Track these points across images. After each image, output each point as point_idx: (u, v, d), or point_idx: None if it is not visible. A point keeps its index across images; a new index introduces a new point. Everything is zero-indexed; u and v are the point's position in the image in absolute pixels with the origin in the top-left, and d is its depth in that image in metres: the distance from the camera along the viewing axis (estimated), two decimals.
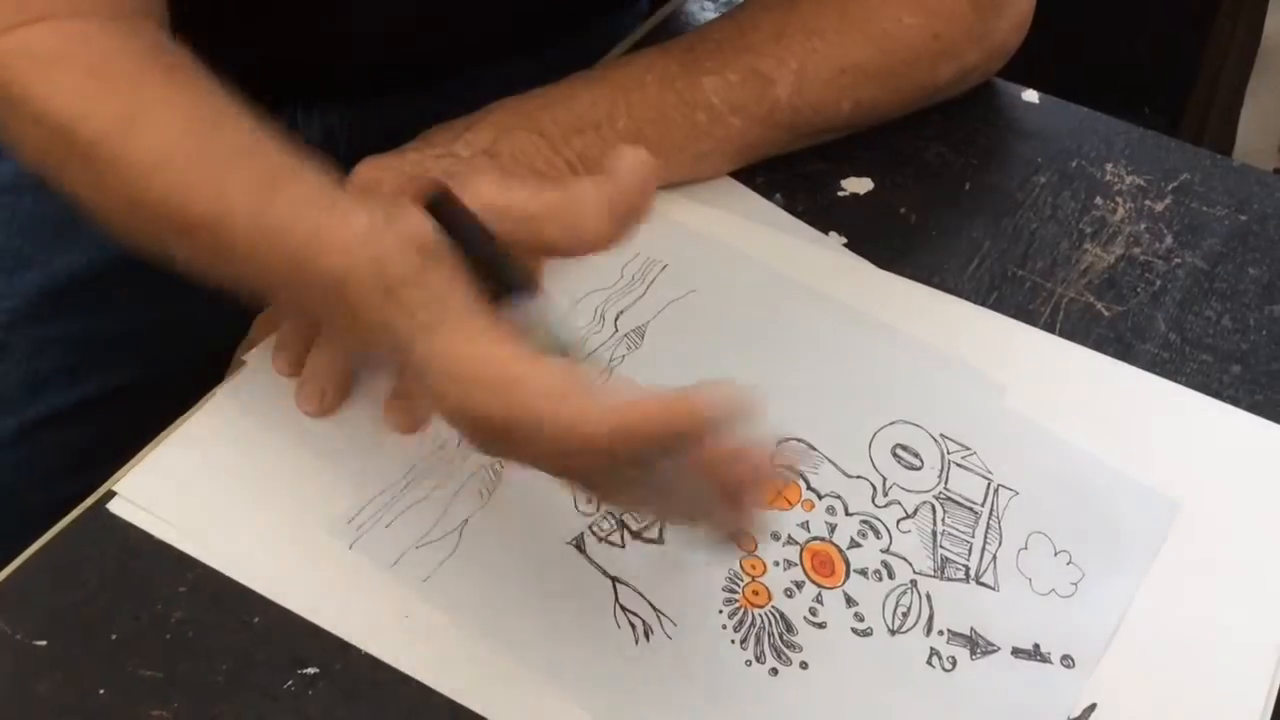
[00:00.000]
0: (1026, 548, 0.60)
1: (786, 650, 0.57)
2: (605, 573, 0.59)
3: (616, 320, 0.68)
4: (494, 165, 0.67)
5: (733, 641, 0.57)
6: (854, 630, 0.58)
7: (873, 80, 0.73)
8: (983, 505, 0.62)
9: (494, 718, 0.55)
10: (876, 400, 0.65)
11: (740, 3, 0.76)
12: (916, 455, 0.63)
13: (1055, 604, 0.59)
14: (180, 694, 0.55)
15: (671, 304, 0.69)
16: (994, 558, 0.60)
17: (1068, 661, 0.57)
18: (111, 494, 0.61)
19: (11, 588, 0.58)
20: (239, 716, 0.54)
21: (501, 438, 0.51)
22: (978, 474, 0.63)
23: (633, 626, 0.57)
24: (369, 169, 0.66)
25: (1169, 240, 0.74)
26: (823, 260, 0.71)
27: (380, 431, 0.62)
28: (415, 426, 0.62)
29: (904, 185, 0.76)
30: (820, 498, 0.62)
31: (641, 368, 0.66)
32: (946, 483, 0.62)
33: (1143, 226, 0.74)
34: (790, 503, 0.61)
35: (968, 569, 0.60)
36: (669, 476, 0.50)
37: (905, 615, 0.58)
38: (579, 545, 0.60)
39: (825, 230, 0.73)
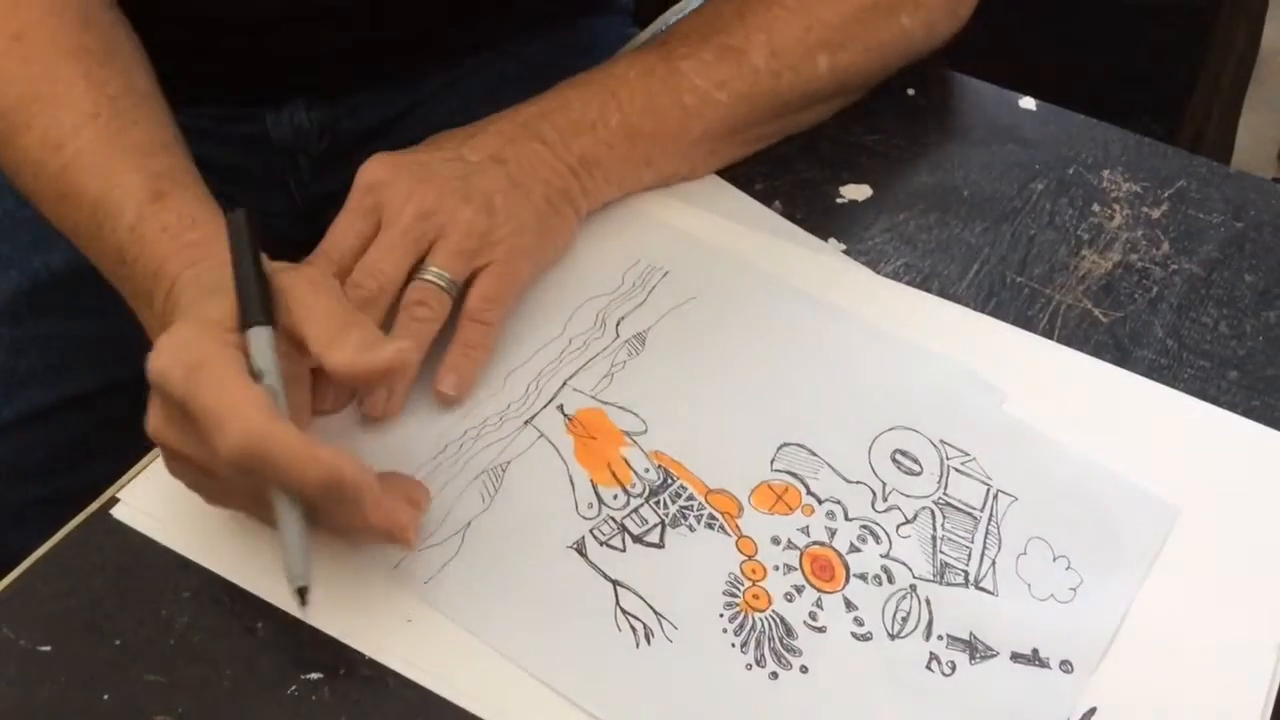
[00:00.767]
0: (1026, 553, 0.61)
1: (786, 654, 0.57)
2: (606, 576, 0.59)
3: (618, 326, 0.68)
4: (502, 173, 0.67)
5: (733, 645, 0.57)
6: (854, 634, 0.58)
7: (839, 33, 0.74)
8: (982, 510, 0.62)
9: None
10: (876, 406, 0.65)
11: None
12: (916, 461, 0.64)
13: (1054, 609, 0.59)
14: (184, 700, 0.55)
15: (673, 310, 0.69)
16: (993, 563, 0.60)
17: (1067, 666, 0.57)
18: (115, 499, 0.61)
19: (15, 593, 0.58)
20: None
21: (159, 390, 0.55)
22: (977, 479, 0.63)
23: (634, 630, 0.57)
24: (378, 166, 0.66)
25: (1166, 247, 0.74)
26: (822, 267, 0.72)
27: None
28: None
29: (902, 192, 0.76)
30: (820, 503, 0.62)
31: (643, 373, 0.66)
32: (946, 488, 0.63)
33: (1140, 233, 0.75)
34: (790, 508, 0.62)
35: (967, 574, 0.60)
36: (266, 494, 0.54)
37: (905, 620, 0.58)
38: (580, 549, 0.60)
39: (824, 237, 0.73)
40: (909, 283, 0.71)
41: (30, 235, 0.79)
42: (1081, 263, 0.73)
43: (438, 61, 0.85)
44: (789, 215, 0.74)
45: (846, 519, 0.61)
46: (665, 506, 0.61)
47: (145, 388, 0.59)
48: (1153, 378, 0.68)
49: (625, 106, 0.71)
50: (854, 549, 0.61)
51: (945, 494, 0.63)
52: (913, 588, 0.59)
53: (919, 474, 0.63)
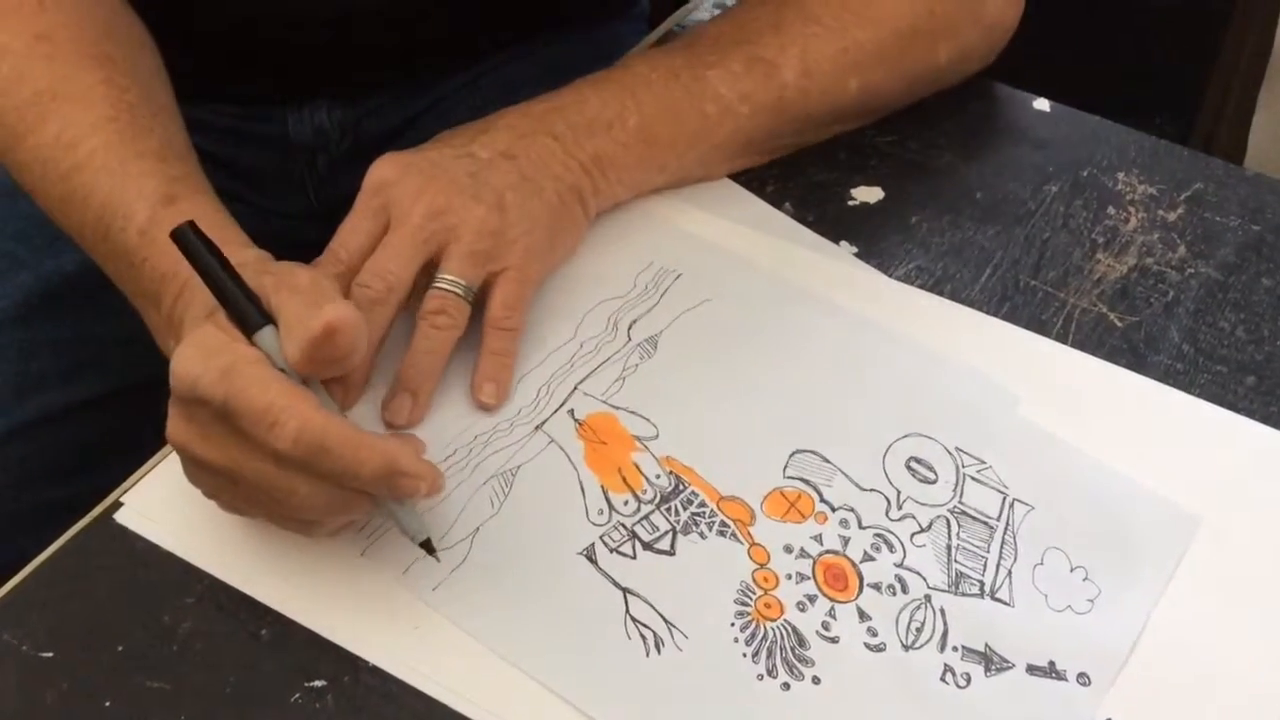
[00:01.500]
0: (1042, 563, 0.60)
1: (799, 664, 0.56)
2: (616, 584, 0.58)
3: (630, 329, 0.67)
4: (513, 168, 0.67)
5: (744, 655, 0.57)
6: (867, 645, 0.57)
7: (874, 57, 0.74)
8: (998, 520, 0.61)
9: None
10: (891, 413, 0.65)
11: (734, 3, 0.76)
12: (931, 468, 0.63)
13: (1071, 620, 0.58)
14: (187, 706, 0.55)
15: (685, 313, 0.68)
16: (1009, 573, 0.60)
17: (1084, 679, 0.56)
18: (119, 504, 0.60)
19: (18, 598, 0.58)
20: None
21: (187, 395, 0.54)
22: (993, 488, 0.62)
23: (643, 638, 0.57)
24: (387, 166, 0.66)
25: (1182, 250, 0.73)
26: (833, 270, 0.71)
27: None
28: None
29: (914, 194, 0.75)
30: (833, 511, 0.61)
31: (655, 377, 0.65)
32: (961, 496, 0.62)
33: (1155, 236, 0.74)
34: (803, 516, 0.61)
35: (983, 584, 0.59)
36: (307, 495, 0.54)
37: (919, 630, 0.58)
38: (590, 556, 0.59)
39: (836, 240, 0.73)
40: (921, 286, 0.71)
41: (42, 238, 0.79)
42: (1096, 266, 0.72)
43: (462, 62, 0.85)
44: (800, 218, 0.74)
45: (860, 527, 0.61)
46: (677, 513, 0.61)
47: (159, 391, 0.59)
48: (1168, 383, 0.67)
49: (645, 109, 0.70)
50: (868, 558, 0.60)
51: (961, 502, 0.62)
52: (927, 598, 0.59)
53: (934, 482, 0.62)
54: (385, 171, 0.65)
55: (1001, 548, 0.60)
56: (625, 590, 0.58)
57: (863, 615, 0.58)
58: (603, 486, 0.61)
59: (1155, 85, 1.33)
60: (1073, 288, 0.71)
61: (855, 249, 0.72)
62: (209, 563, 0.58)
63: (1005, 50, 0.80)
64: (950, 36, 0.76)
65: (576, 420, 0.64)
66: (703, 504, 0.61)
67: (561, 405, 0.64)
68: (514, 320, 0.65)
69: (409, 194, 0.64)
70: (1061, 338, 0.69)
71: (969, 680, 0.56)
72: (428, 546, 0.57)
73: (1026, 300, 0.70)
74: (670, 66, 0.72)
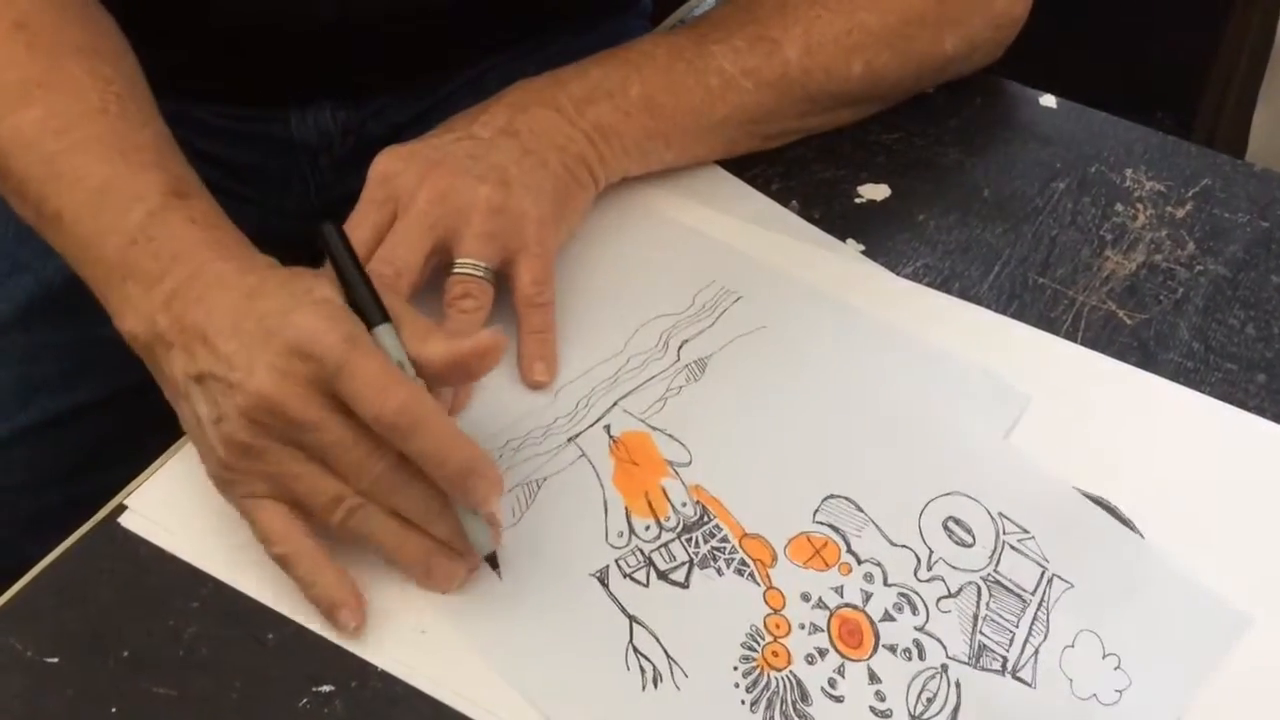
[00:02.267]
0: (1073, 646, 0.56)
1: (798, 719, 0.55)
2: (624, 610, 0.57)
3: (680, 349, 0.66)
4: (515, 144, 0.67)
5: (743, 702, 0.54)
6: (872, 709, 0.55)
7: (880, 41, 0.73)
8: (1033, 594, 0.58)
9: None
10: (938, 468, 0.61)
11: None
12: (969, 531, 0.60)
13: (1095, 711, 0.54)
14: (193, 712, 0.54)
15: (738, 338, 0.66)
16: (1036, 651, 0.56)
17: None
18: (123, 508, 0.60)
19: (22, 604, 0.57)
20: None
21: (302, 349, 0.54)
22: (1033, 560, 0.59)
23: (643, 671, 0.55)
24: (390, 158, 0.66)
25: (1191, 247, 0.73)
26: (839, 268, 0.70)
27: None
28: None
29: (921, 192, 0.75)
30: (859, 563, 0.59)
31: (697, 401, 0.64)
32: (997, 565, 0.59)
33: (1164, 233, 0.73)
34: (827, 564, 0.58)
35: (1005, 660, 0.56)
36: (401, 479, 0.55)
37: (930, 701, 0.55)
38: (602, 578, 0.58)
39: (843, 237, 0.72)
40: (929, 284, 0.70)
41: (44, 241, 0.78)
42: (1105, 264, 0.72)
43: (466, 61, 0.85)
44: (806, 215, 0.73)
45: (885, 584, 0.58)
46: (697, 545, 0.59)
47: (161, 394, 0.58)
48: (1179, 381, 0.66)
49: (648, 80, 0.70)
50: (888, 617, 0.57)
51: (996, 571, 0.58)
52: (944, 667, 0.56)
53: (970, 546, 0.59)
54: (389, 163, 0.66)
55: (1032, 623, 0.57)
56: (632, 618, 0.57)
57: (873, 677, 0.55)
58: (627, 508, 0.60)
59: (1156, 79, 1.33)
60: (1081, 285, 0.71)
61: (862, 247, 0.72)
62: (214, 566, 0.58)
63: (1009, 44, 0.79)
64: (957, 25, 0.75)
65: (611, 437, 0.62)
66: (725, 538, 0.59)
67: (599, 420, 0.63)
68: (546, 294, 0.65)
69: (412, 182, 0.65)
70: (1071, 336, 0.68)
71: None
72: (492, 560, 0.56)
73: (1035, 298, 0.70)
74: (674, 43, 0.72)
